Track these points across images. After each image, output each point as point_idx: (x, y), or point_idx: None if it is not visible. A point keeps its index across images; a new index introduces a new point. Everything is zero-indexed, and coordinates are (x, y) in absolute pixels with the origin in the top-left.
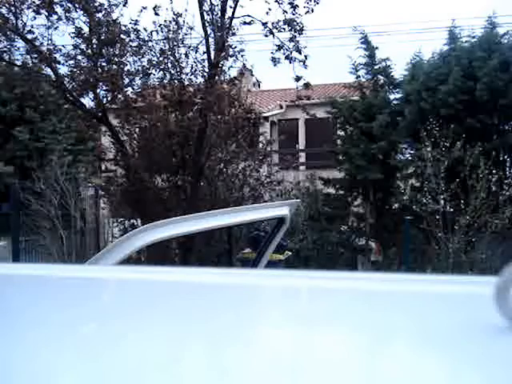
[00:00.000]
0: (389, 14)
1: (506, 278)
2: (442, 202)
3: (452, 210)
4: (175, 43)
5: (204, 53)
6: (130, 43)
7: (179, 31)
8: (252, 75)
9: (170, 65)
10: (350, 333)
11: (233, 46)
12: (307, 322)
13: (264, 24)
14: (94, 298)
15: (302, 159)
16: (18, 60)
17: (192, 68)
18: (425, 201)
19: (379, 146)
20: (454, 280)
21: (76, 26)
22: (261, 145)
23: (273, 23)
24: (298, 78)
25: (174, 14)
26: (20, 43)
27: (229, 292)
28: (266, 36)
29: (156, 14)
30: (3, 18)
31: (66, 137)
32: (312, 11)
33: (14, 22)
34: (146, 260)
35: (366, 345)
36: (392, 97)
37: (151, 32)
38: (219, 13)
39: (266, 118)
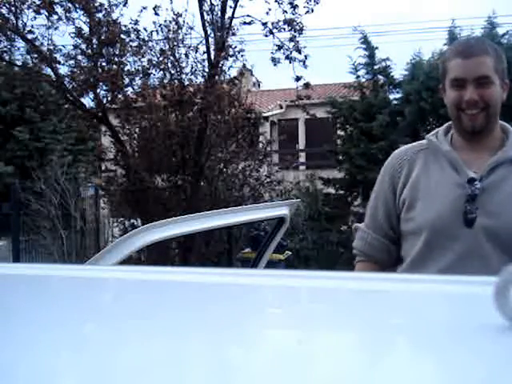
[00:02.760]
0: (389, 14)
1: (505, 278)
2: None
3: None
4: (175, 43)
5: (204, 53)
6: (130, 43)
7: (179, 31)
8: (252, 75)
9: (170, 65)
10: (350, 333)
11: (233, 46)
12: (307, 322)
13: (264, 24)
14: (94, 298)
15: (302, 159)
16: (18, 60)
17: (192, 68)
18: None
19: (379, 145)
20: (453, 280)
21: (76, 26)
22: (261, 145)
23: (273, 23)
24: (298, 78)
25: (174, 14)
26: (20, 43)
27: (229, 292)
28: (266, 36)
29: (156, 13)
30: (3, 18)
31: (65, 137)
32: (312, 11)
33: (14, 21)
34: (146, 260)
35: (366, 345)
36: (392, 97)
37: (151, 32)
38: (219, 13)
39: (266, 118)
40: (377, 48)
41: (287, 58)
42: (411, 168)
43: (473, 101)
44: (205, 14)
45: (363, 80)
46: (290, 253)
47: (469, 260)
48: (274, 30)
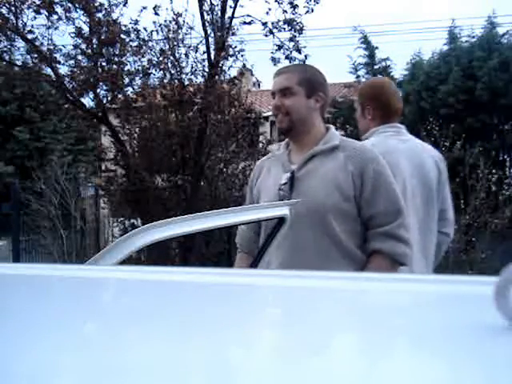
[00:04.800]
0: (389, 14)
1: (506, 278)
2: None
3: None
4: (175, 43)
5: (204, 53)
6: (130, 43)
7: (179, 31)
8: (252, 75)
9: (170, 65)
10: (350, 333)
11: (233, 46)
12: (307, 322)
13: (264, 24)
14: (94, 298)
15: None
16: (18, 60)
17: (192, 68)
18: None
19: None
20: (453, 280)
21: (76, 26)
22: (261, 145)
23: (273, 23)
24: None
25: (174, 14)
26: (20, 43)
27: (229, 292)
28: (266, 36)
29: (156, 13)
30: (3, 18)
31: (65, 137)
32: (312, 11)
33: (14, 21)
34: (145, 260)
35: (365, 345)
36: None
37: (151, 32)
38: (219, 13)
39: (266, 118)
40: (377, 48)
41: (287, 57)
42: (260, 173)
43: (275, 106)
44: (205, 13)
45: (363, 80)
46: None
47: (294, 234)
48: (274, 30)
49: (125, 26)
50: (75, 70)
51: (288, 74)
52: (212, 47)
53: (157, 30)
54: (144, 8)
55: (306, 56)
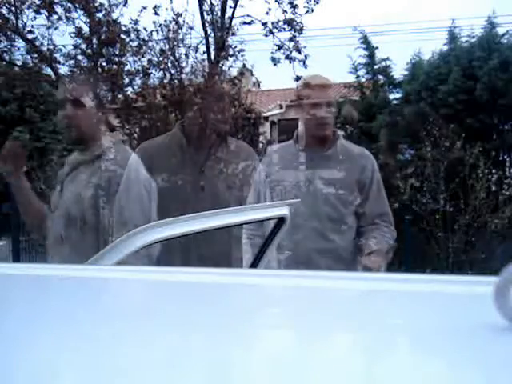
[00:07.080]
0: (389, 14)
1: (506, 278)
2: (442, 201)
3: (452, 209)
4: (175, 43)
5: (204, 53)
6: (130, 43)
7: (179, 31)
8: (252, 75)
9: (170, 65)
10: (350, 333)
11: (233, 46)
12: (307, 322)
13: (264, 24)
14: (94, 298)
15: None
16: (18, 60)
17: (192, 68)
18: (425, 200)
19: (379, 145)
20: (453, 280)
21: (76, 26)
22: (261, 145)
23: (273, 23)
24: (297, 78)
25: (174, 14)
26: (20, 43)
27: (229, 292)
28: (266, 36)
29: (156, 13)
30: (3, 18)
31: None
32: (312, 11)
33: (14, 21)
34: None
35: (365, 345)
36: (392, 97)
37: (151, 32)
38: (219, 13)
39: (266, 118)
40: (377, 48)
41: (287, 57)
42: None
43: None
44: (205, 13)
45: (363, 80)
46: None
47: None
48: (274, 30)
49: (125, 26)
50: (75, 69)
51: None
52: (212, 47)
53: (157, 30)
54: (144, 8)
55: (305, 56)
